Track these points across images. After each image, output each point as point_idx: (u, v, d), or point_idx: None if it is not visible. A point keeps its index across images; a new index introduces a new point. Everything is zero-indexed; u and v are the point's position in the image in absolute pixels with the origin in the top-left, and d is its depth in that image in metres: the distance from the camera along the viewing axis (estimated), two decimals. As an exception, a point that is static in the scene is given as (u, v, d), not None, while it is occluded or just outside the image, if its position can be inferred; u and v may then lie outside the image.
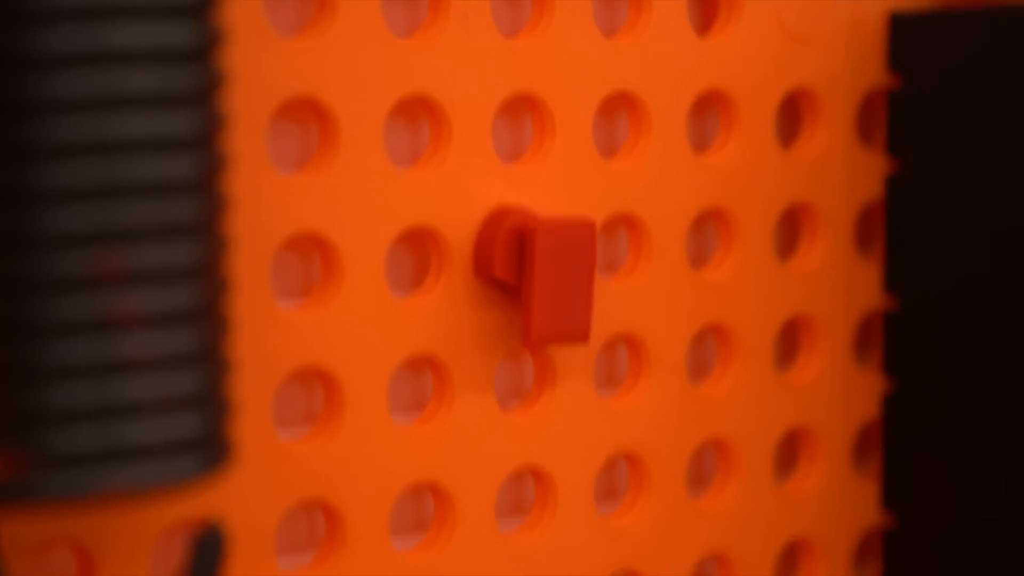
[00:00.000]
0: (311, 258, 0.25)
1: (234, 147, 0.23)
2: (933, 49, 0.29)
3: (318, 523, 0.25)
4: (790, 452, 0.31)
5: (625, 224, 0.28)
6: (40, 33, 0.19)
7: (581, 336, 0.25)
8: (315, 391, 0.25)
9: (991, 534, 0.29)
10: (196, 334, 0.20)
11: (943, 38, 0.29)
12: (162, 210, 0.19)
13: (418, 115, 0.26)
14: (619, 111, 0.28)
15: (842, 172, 0.30)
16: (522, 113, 0.27)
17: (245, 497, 0.23)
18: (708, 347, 0.30)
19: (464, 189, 0.25)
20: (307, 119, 0.25)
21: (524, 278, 0.25)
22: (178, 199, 0.20)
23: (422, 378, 0.26)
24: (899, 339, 0.30)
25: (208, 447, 0.20)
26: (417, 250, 0.26)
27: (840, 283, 0.30)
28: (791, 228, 0.30)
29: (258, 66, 0.23)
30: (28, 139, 0.19)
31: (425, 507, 0.27)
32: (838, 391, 0.30)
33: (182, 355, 0.20)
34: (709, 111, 0.29)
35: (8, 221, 0.19)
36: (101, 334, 0.19)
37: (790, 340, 0.30)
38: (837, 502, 0.30)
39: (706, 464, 0.30)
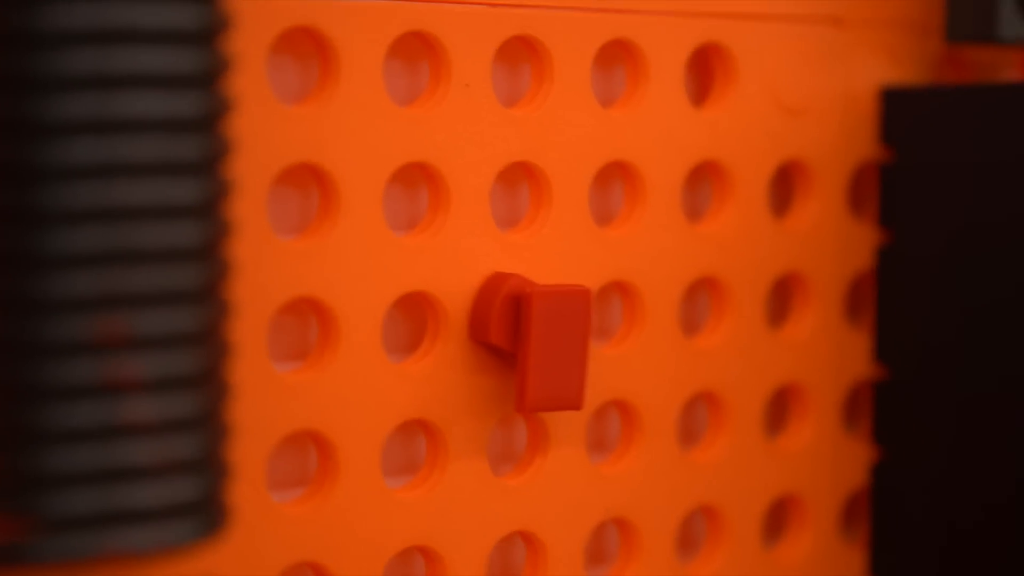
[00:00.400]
0: (308, 322, 0.25)
1: (236, 213, 0.23)
2: (925, 123, 0.30)
3: (310, 585, 0.26)
4: (779, 518, 0.31)
5: (619, 291, 0.28)
6: (47, 100, 0.19)
7: (574, 403, 0.25)
8: (309, 454, 0.25)
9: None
10: (196, 399, 0.20)
11: (935, 113, 0.30)
12: (166, 276, 0.20)
13: (417, 182, 0.26)
14: (615, 180, 0.28)
15: (834, 243, 0.30)
16: (519, 181, 0.27)
17: (239, 560, 0.23)
18: (699, 413, 0.30)
19: (461, 255, 0.26)
20: (307, 185, 0.25)
21: (519, 344, 0.25)
22: (182, 266, 0.20)
23: (415, 442, 0.27)
24: (888, 409, 0.31)
25: (206, 511, 0.20)
26: (413, 315, 0.26)
27: (830, 352, 0.30)
28: (783, 297, 0.31)
29: (261, 133, 0.23)
30: (33, 204, 0.19)
31: (416, 570, 0.27)
32: (827, 459, 0.30)
33: (182, 420, 0.20)
34: (703, 181, 0.29)
35: (12, 285, 0.19)
36: (102, 398, 0.19)
37: (780, 407, 0.31)
38: (824, 569, 0.30)
39: (695, 530, 0.30)
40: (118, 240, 0.19)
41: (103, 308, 0.19)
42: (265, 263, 0.24)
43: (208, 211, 0.20)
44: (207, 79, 0.20)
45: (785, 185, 0.30)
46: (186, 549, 0.20)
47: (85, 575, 0.21)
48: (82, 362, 0.19)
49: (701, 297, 0.30)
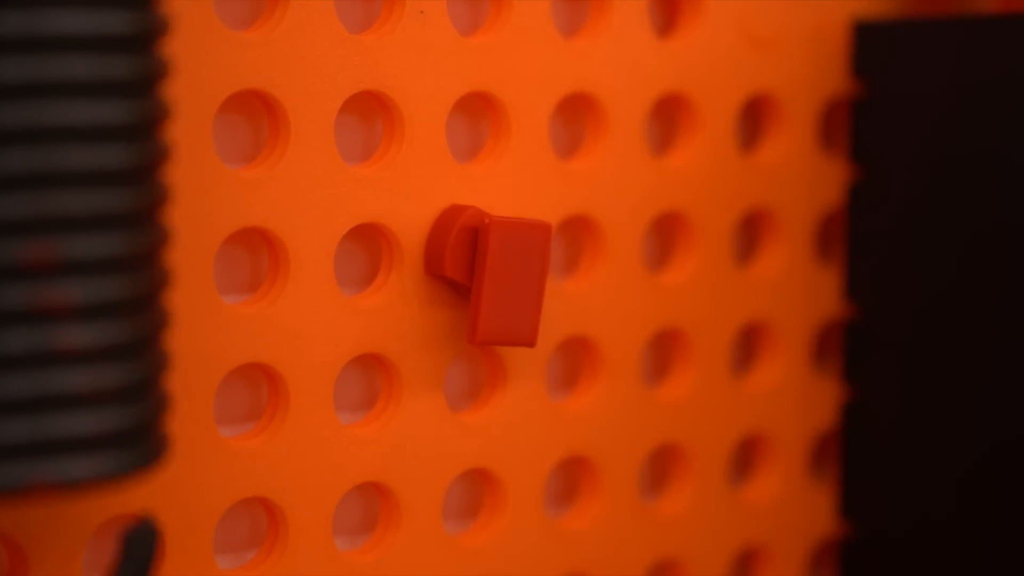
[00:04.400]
0: (260, 253, 0.25)
1: (179, 138, 0.23)
2: (897, 57, 0.29)
3: (261, 522, 0.25)
4: (746, 458, 0.30)
5: (581, 226, 0.27)
6: (-22, 18, 0.19)
7: (528, 339, 0.25)
8: (260, 388, 0.25)
9: (947, 543, 0.29)
10: (130, 326, 0.19)
11: (907, 47, 0.29)
12: (96, 199, 0.19)
13: (372, 111, 0.26)
14: (577, 112, 0.28)
15: (803, 178, 0.30)
16: (478, 112, 0.27)
17: (184, 494, 0.23)
18: (664, 351, 0.29)
19: (416, 187, 0.25)
20: (258, 113, 0.24)
21: (475, 276, 0.25)
22: (113, 188, 0.19)
23: (370, 377, 0.26)
24: (859, 347, 0.30)
25: (141, 441, 0.20)
26: (367, 247, 0.26)
27: (800, 290, 0.30)
28: (751, 234, 0.30)
29: (206, 57, 0.23)
30: (-38, 126, 0.19)
31: (371, 508, 0.26)
32: (795, 398, 0.30)
33: (115, 347, 0.19)
34: (669, 114, 0.29)
35: (-59, 208, 0.19)
36: (32, 324, 0.19)
37: (749, 346, 0.30)
38: (793, 509, 0.30)
39: (660, 469, 0.30)
40: (46, 161, 0.19)
41: (32, 231, 0.19)
42: (211, 191, 0.23)
43: (140, 133, 0.20)
44: (141, -3, 0.19)
45: (754, 119, 0.30)
46: (121, 480, 0.19)
47: (18, 506, 0.21)
48: (11, 287, 0.19)
49: (666, 233, 0.29)
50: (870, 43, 0.29)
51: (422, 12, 0.25)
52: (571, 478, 0.28)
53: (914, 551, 0.29)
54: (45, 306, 0.19)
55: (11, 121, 0.19)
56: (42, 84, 0.19)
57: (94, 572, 0.23)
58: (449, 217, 0.25)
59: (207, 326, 0.23)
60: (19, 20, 0.19)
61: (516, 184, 0.26)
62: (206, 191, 0.23)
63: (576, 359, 0.28)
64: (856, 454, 0.30)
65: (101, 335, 0.19)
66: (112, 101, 0.19)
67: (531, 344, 0.25)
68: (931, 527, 0.29)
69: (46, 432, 0.19)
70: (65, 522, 0.22)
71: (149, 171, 0.20)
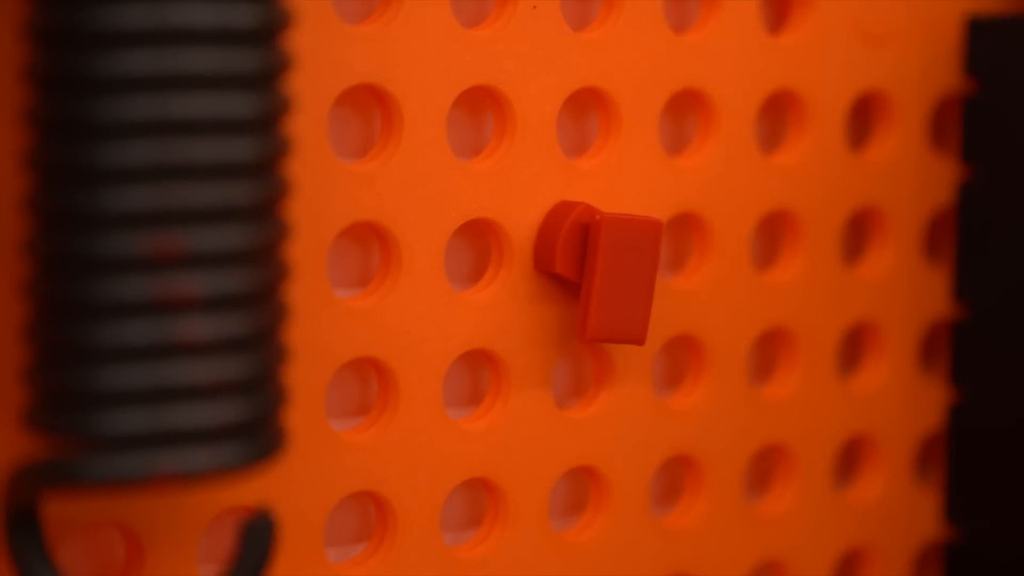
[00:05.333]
0: (370, 248, 0.25)
1: (296, 133, 0.23)
2: (1011, 54, 0.29)
3: (369, 516, 0.25)
4: (851, 459, 0.30)
5: (690, 223, 0.27)
6: (105, 10, 0.19)
7: (638, 337, 0.25)
8: (370, 382, 0.25)
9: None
10: (251, 319, 0.20)
11: (1021, 43, 0.29)
12: (221, 192, 0.19)
13: (483, 106, 0.26)
14: (687, 108, 0.28)
15: (913, 177, 0.29)
16: (588, 108, 0.27)
17: (296, 487, 0.23)
18: (770, 351, 0.29)
19: (527, 183, 0.25)
20: (370, 107, 0.24)
21: (585, 273, 0.25)
22: (237, 182, 0.19)
23: (478, 373, 0.26)
24: (967, 349, 0.30)
25: (260, 434, 0.20)
26: (477, 243, 0.26)
27: (908, 290, 0.29)
28: (859, 233, 0.30)
29: (323, 52, 0.23)
30: (89, 117, 0.19)
31: (478, 503, 0.26)
32: (903, 400, 0.30)
33: (236, 339, 0.19)
34: (779, 111, 0.29)
35: (67, 200, 0.19)
36: (156, 316, 0.19)
37: (855, 346, 0.30)
38: (898, 512, 0.30)
39: (765, 469, 0.29)
40: (174, 153, 0.19)
41: (158, 224, 0.19)
42: (326, 185, 0.23)
43: (265, 127, 0.20)
44: (265, -8, 0.20)
45: (864, 117, 0.29)
46: (239, 472, 0.20)
47: (137, 495, 0.21)
48: (136, 279, 0.19)
49: (774, 231, 0.29)
50: (983, 40, 0.29)
51: (534, 7, 0.25)
52: (676, 477, 0.28)
53: (1021, 557, 0.29)
54: (168, 298, 0.19)
55: (137, 114, 0.19)
56: (168, 77, 0.19)
57: (208, 563, 0.23)
58: (559, 213, 0.25)
59: (321, 320, 0.23)
60: (146, 13, 0.19)
61: (626, 180, 0.26)
62: (321, 185, 0.23)
63: (682, 357, 0.28)
64: (962, 457, 0.30)
65: (223, 327, 0.19)
66: (236, 94, 0.19)
67: (641, 342, 0.25)
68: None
69: (167, 423, 0.19)
70: (181, 513, 0.22)
71: (271, 165, 0.20)
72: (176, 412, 0.19)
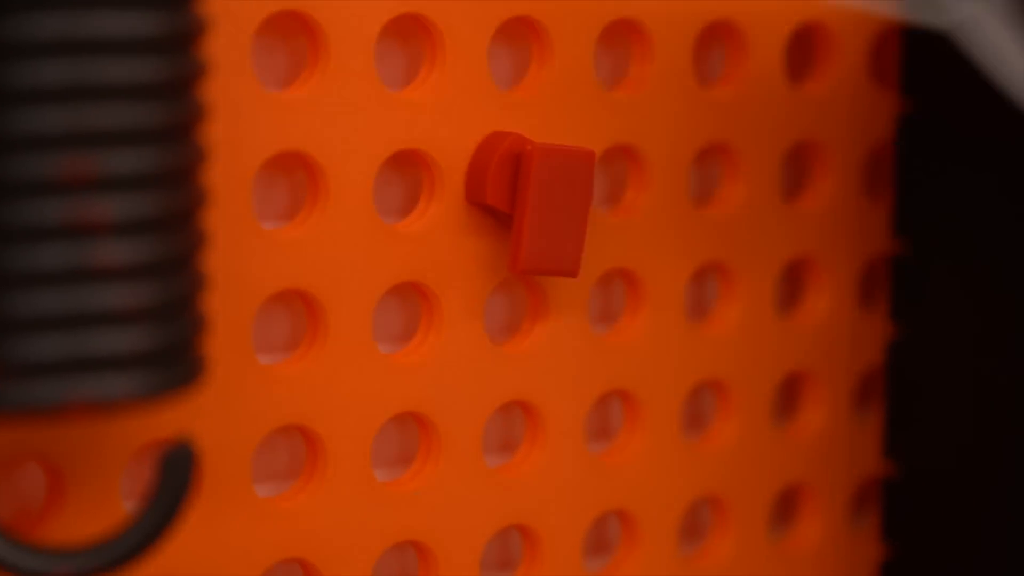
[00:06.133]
0: (297, 179, 0.25)
1: (219, 58, 0.22)
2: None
3: (299, 451, 0.25)
4: (791, 395, 0.30)
5: (625, 155, 0.27)
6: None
7: (570, 269, 0.24)
8: (300, 316, 0.25)
9: (991, 482, 0.28)
10: (166, 243, 0.19)
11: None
12: (133, 113, 0.19)
13: (413, 35, 0.25)
14: (623, 41, 0.27)
15: (854, 111, 0.29)
16: (521, 38, 0.26)
17: (221, 419, 0.23)
18: (708, 286, 0.29)
19: (457, 113, 0.25)
20: (296, 35, 0.24)
21: (517, 204, 0.24)
22: (150, 103, 0.19)
23: (410, 307, 0.26)
24: (907, 284, 0.30)
25: (177, 362, 0.19)
26: (408, 175, 0.25)
27: (848, 225, 0.29)
28: (799, 166, 0.29)
29: (245, -23, 0.22)
30: (-1, 38, 0.18)
31: (410, 438, 0.26)
32: (842, 335, 0.29)
33: (151, 264, 0.19)
34: (717, 44, 0.28)
35: (-24, 123, 0.19)
36: (69, 240, 0.19)
37: (794, 281, 0.30)
38: (838, 448, 0.30)
39: (703, 404, 0.29)
40: (84, 73, 0.18)
41: (69, 145, 0.19)
42: (250, 113, 0.23)
43: (180, 47, 0.19)
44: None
45: (803, 52, 0.29)
46: (157, 400, 0.19)
47: (56, 426, 0.21)
48: (47, 202, 0.19)
49: (711, 165, 0.29)
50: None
51: (465, -66, 0.24)
52: (612, 412, 0.28)
53: (957, 490, 0.29)
54: (81, 222, 0.19)
55: (47, 33, 0.18)
56: (78, -5, 0.18)
57: (133, 495, 0.23)
58: (491, 144, 0.25)
59: (245, 250, 0.23)
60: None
61: (559, 112, 0.26)
62: (244, 113, 0.23)
63: (618, 291, 0.28)
64: (901, 392, 0.30)
65: (137, 252, 0.19)
66: (148, 11, 0.19)
67: (573, 274, 0.25)
68: (975, 466, 0.28)
69: (81, 349, 0.19)
70: (103, 444, 0.22)
71: (185, 86, 0.19)
72: (91, 338, 0.19)
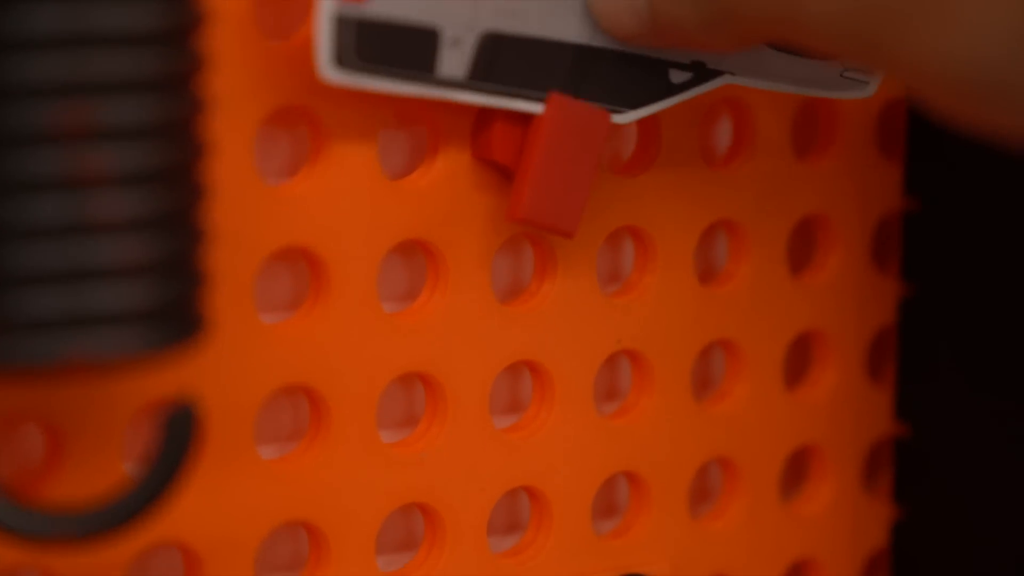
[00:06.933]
0: (301, 137, 0.24)
1: (215, 6, 0.22)
2: None
3: (303, 413, 0.24)
4: (802, 355, 0.29)
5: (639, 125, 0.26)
6: None
7: (568, 229, 0.24)
8: (303, 276, 0.24)
9: (1004, 444, 0.28)
10: (166, 197, 0.19)
11: None
12: (130, 63, 0.18)
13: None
14: None
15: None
16: None
17: (224, 379, 0.22)
18: (719, 244, 0.28)
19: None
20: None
21: (525, 153, 0.24)
22: (147, 52, 0.18)
23: (415, 266, 0.25)
24: (918, 243, 0.29)
25: (176, 318, 0.19)
26: (413, 130, 0.25)
27: (860, 186, 0.29)
28: (810, 128, 0.29)
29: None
30: (-8, -13, 0.18)
31: (415, 398, 0.26)
32: (853, 296, 0.29)
33: (150, 218, 0.19)
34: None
35: (-30, 73, 0.18)
36: (65, 192, 0.18)
37: (807, 241, 0.29)
38: (849, 409, 0.29)
39: (714, 366, 0.29)
40: (80, 21, 0.18)
41: (66, 94, 0.18)
42: (254, 65, 0.22)
43: (177, -4, 0.19)
44: None
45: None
46: (155, 357, 0.19)
47: (54, 385, 0.20)
48: (43, 153, 0.18)
49: (724, 126, 0.28)
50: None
51: None
52: (622, 373, 0.28)
53: (969, 450, 0.28)
54: (79, 173, 0.18)
55: (42, -20, 0.18)
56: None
57: (133, 460, 0.22)
58: (497, 100, 0.24)
59: (247, 206, 0.22)
60: None
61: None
62: (246, 64, 0.22)
63: (628, 253, 0.27)
64: (913, 355, 0.29)
65: (136, 205, 0.18)
66: (146, -40, 0.18)
67: (571, 235, 0.24)
68: (986, 427, 0.28)
69: (79, 305, 0.18)
70: (103, 404, 0.21)
71: (183, 34, 0.19)
72: (88, 293, 0.18)
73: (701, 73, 0.24)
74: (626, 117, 0.24)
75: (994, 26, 0.19)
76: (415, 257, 0.25)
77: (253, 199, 0.22)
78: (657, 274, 0.27)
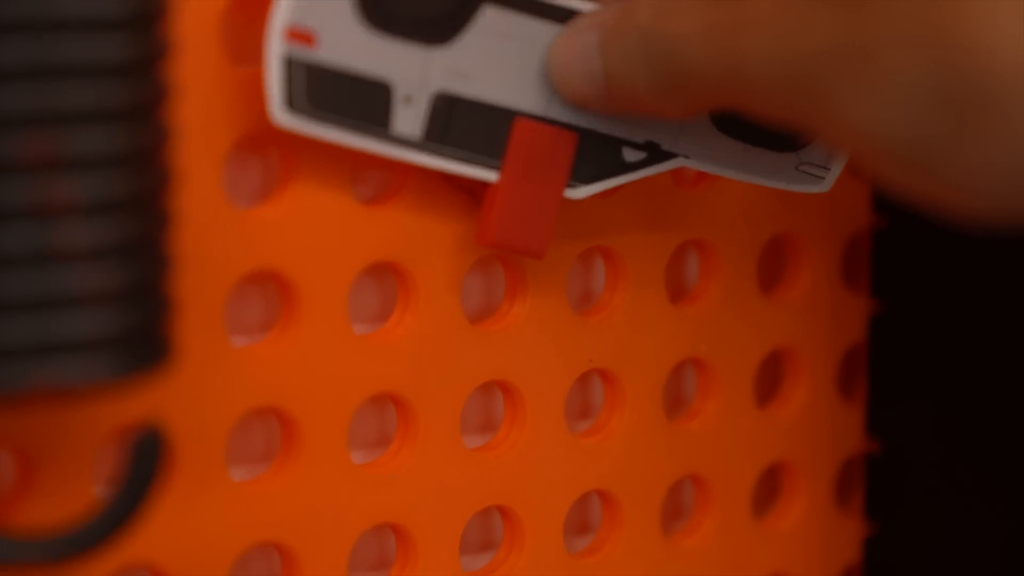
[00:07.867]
0: (271, 163, 0.24)
1: (182, 38, 0.22)
2: None
3: (275, 435, 0.25)
4: (774, 373, 0.30)
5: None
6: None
7: (537, 250, 0.24)
8: (273, 298, 0.24)
9: (977, 458, 0.28)
10: (131, 224, 0.19)
11: None
12: (96, 93, 0.18)
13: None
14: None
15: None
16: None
17: (194, 403, 0.22)
18: (690, 263, 0.29)
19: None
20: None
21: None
22: (113, 82, 0.19)
23: (386, 288, 0.26)
24: (887, 261, 0.29)
25: (142, 344, 0.19)
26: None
27: (831, 205, 0.29)
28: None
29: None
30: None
31: (387, 419, 0.26)
32: (824, 313, 0.29)
33: (116, 246, 0.19)
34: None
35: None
36: (30, 222, 0.18)
37: (777, 260, 0.29)
38: (820, 426, 0.29)
39: (685, 384, 0.29)
40: (46, 53, 0.18)
41: (32, 124, 0.18)
42: (223, 92, 0.22)
43: (144, 26, 0.19)
44: None
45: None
46: (121, 383, 0.19)
47: (23, 412, 0.20)
48: (11, 182, 0.18)
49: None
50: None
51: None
52: (593, 392, 0.28)
53: (937, 466, 0.29)
54: (45, 202, 0.18)
55: (11, 12, 0.18)
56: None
57: (102, 480, 0.22)
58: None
59: (217, 231, 0.22)
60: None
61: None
62: (214, 92, 0.22)
63: (599, 272, 0.27)
64: (883, 372, 0.30)
65: (101, 233, 0.19)
66: (111, -9, 0.18)
67: (540, 255, 0.24)
68: (957, 442, 0.28)
69: (45, 333, 0.18)
70: (72, 430, 0.21)
71: (149, 65, 0.19)
72: (54, 321, 0.18)
73: (655, 154, 0.25)
74: (578, 192, 0.24)
75: (910, 89, 0.18)
76: (386, 279, 0.25)
77: (224, 224, 0.23)
78: (628, 293, 0.27)
